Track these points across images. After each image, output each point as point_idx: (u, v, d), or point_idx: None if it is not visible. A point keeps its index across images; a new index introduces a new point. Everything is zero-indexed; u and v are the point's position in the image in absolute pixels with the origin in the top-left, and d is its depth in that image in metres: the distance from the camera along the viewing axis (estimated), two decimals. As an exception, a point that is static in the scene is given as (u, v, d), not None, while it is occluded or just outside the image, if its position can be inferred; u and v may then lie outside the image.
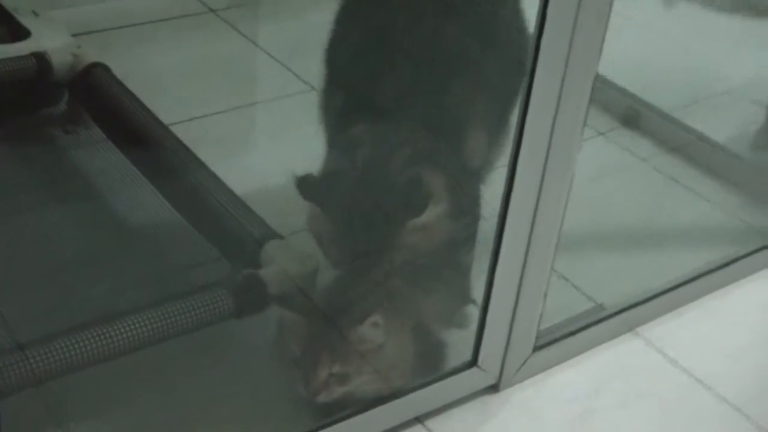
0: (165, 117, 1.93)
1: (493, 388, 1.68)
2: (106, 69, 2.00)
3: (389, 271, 1.54)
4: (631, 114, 2.41)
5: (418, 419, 1.60)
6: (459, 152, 1.65)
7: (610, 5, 1.42)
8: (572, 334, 1.75)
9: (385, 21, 1.67)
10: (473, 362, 1.63)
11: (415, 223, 1.53)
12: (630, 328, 1.84)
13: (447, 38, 1.64)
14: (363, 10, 1.72)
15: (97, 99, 1.97)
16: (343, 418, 1.51)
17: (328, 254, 1.57)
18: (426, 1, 1.68)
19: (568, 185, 1.55)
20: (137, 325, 1.45)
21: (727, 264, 1.98)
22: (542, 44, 1.39)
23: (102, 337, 1.42)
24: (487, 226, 1.63)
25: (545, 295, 1.64)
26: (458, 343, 1.66)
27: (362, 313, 1.48)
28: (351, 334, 1.48)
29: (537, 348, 1.70)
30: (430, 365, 1.62)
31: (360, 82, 1.66)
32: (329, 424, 1.50)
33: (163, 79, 2.27)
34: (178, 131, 1.90)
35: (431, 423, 1.60)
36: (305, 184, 1.54)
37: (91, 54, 2.01)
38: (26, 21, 2.02)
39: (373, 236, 1.53)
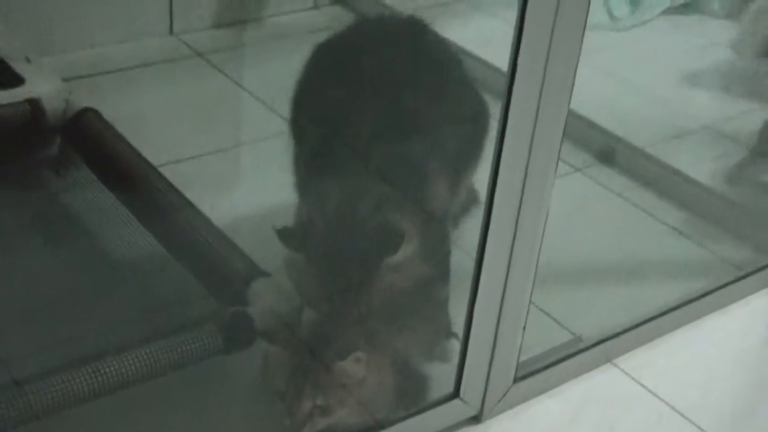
0: (153, 158, 1.97)
1: (475, 419, 1.72)
2: (96, 113, 2.04)
3: (368, 311, 1.59)
4: (607, 150, 2.47)
5: (402, 450, 1.65)
6: (422, 197, 1.72)
7: (580, 43, 1.49)
8: (551, 365, 1.80)
9: (346, 82, 1.77)
10: (455, 394, 1.68)
11: (390, 262, 1.59)
12: (607, 359, 1.89)
13: (404, 96, 1.74)
14: (325, 76, 1.81)
15: (88, 142, 2.02)
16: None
17: (309, 298, 1.63)
18: (384, 64, 1.77)
19: (543, 220, 1.61)
20: (128, 362, 1.50)
21: (701, 296, 2.04)
22: (515, 83, 1.45)
23: (94, 373, 1.47)
24: (466, 261, 1.68)
25: (524, 328, 1.69)
26: (440, 375, 1.71)
27: (344, 349, 1.53)
28: (334, 369, 1.53)
29: (517, 379, 1.74)
30: (411, 398, 1.66)
31: (325, 139, 1.75)
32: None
33: (152, 122, 2.31)
34: (167, 172, 1.94)
35: (414, 453, 1.65)
36: (286, 235, 1.60)
37: (82, 99, 2.06)
38: (19, 67, 2.06)
39: (351, 278, 1.59)
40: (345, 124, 1.73)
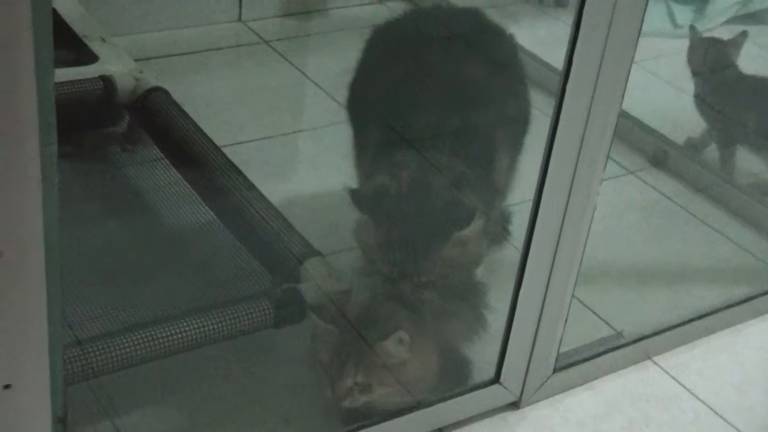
0: (218, 139, 2.04)
1: (514, 405, 1.77)
2: (165, 93, 2.12)
3: (428, 279, 1.65)
4: (660, 154, 2.50)
5: (441, 430, 1.70)
6: (488, 175, 1.79)
7: (635, 46, 1.53)
8: (591, 358, 1.85)
9: (408, 66, 1.83)
10: (496, 379, 1.74)
11: (459, 236, 1.66)
12: (647, 356, 1.93)
13: (469, 81, 1.81)
14: (388, 58, 1.88)
15: (155, 120, 2.10)
16: (368, 425, 1.62)
17: (373, 261, 1.69)
18: (443, 48, 1.84)
19: (590, 216, 1.65)
20: (182, 329, 1.57)
21: (744, 301, 2.07)
22: (569, 81, 1.50)
23: (153, 337, 1.55)
24: (512, 252, 1.74)
25: (566, 320, 1.74)
26: (482, 361, 1.76)
27: (388, 329, 1.59)
28: (377, 348, 1.59)
29: (557, 370, 1.79)
30: (452, 381, 1.72)
31: (394, 123, 1.82)
32: (357, 429, 1.61)
33: (217, 104, 2.39)
34: (230, 153, 2.01)
35: (453, 434, 1.71)
36: (358, 197, 1.68)
37: (152, 78, 2.15)
38: (94, 46, 2.15)
39: (417, 247, 1.66)
40: (411, 102, 1.80)
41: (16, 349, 1.06)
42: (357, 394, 1.58)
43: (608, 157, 1.62)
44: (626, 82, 1.56)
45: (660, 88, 2.80)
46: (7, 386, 1.07)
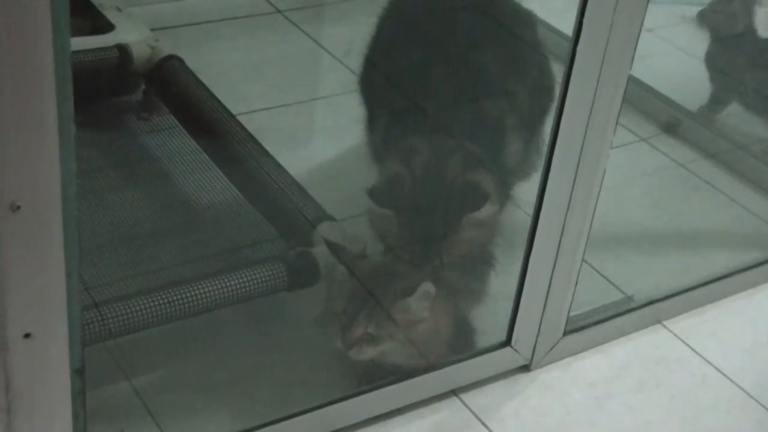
0: (232, 107, 2.06)
1: (525, 368, 1.80)
2: (180, 61, 2.14)
3: (447, 260, 1.68)
4: (673, 121, 2.51)
5: (454, 392, 1.73)
6: (500, 156, 1.80)
7: (645, 7, 1.54)
8: (601, 321, 1.87)
9: (422, 47, 1.85)
10: (507, 342, 1.76)
11: (472, 218, 1.69)
12: (657, 320, 1.95)
13: (483, 63, 1.83)
14: (401, 36, 1.90)
15: (170, 89, 2.12)
16: (384, 385, 1.65)
17: (392, 246, 1.72)
18: (459, 30, 1.85)
19: (599, 181, 1.67)
20: (200, 291, 1.60)
21: (755, 266, 2.09)
22: (579, 45, 1.51)
23: (168, 300, 1.57)
24: (522, 216, 1.76)
25: (576, 284, 1.76)
26: (493, 323, 1.79)
27: (413, 284, 1.60)
28: (399, 305, 1.60)
29: (567, 333, 1.82)
30: (460, 350, 1.74)
31: (406, 104, 1.84)
32: (370, 390, 1.64)
33: (232, 73, 2.41)
34: (244, 121, 2.03)
35: (465, 396, 1.73)
36: (377, 194, 1.70)
37: (167, 47, 2.16)
38: (110, 15, 2.17)
39: (435, 231, 1.69)
40: (421, 85, 1.81)
41: (36, 299, 1.10)
42: (366, 345, 1.59)
43: (618, 122, 1.63)
44: (635, 46, 1.57)
45: (673, 55, 2.80)
46: (27, 335, 1.10)
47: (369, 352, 1.61)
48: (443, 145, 1.77)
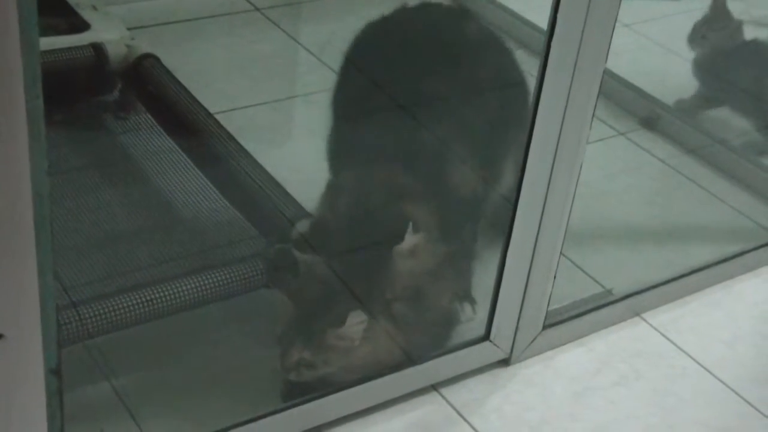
0: (210, 106, 2.05)
1: (504, 363, 1.80)
2: (156, 60, 2.14)
3: (393, 296, 1.65)
4: (652, 116, 2.52)
5: (434, 387, 1.73)
6: (445, 185, 1.80)
7: (619, 3, 1.54)
8: (580, 315, 1.88)
9: (372, 72, 1.86)
10: (486, 336, 1.76)
11: (399, 250, 1.65)
12: (636, 313, 1.96)
13: (429, 89, 1.82)
14: (359, 60, 1.91)
15: (147, 88, 2.11)
16: (363, 381, 1.64)
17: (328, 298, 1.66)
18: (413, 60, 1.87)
19: (576, 174, 1.67)
20: (179, 289, 1.60)
21: (733, 257, 2.09)
22: (553, 40, 1.51)
23: (147, 299, 1.57)
24: (500, 210, 1.76)
25: (555, 277, 1.76)
26: (471, 319, 1.79)
27: (342, 313, 1.57)
28: (329, 335, 1.58)
29: (546, 326, 1.82)
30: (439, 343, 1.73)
31: (351, 128, 1.84)
32: (350, 386, 1.63)
33: (210, 71, 2.41)
34: (222, 119, 2.03)
35: (445, 391, 1.73)
36: (299, 241, 1.69)
37: (144, 46, 2.16)
38: (86, 14, 2.16)
39: (369, 270, 1.66)
40: (368, 112, 1.81)
41: (8, 299, 1.09)
42: (303, 369, 1.59)
43: (597, 117, 1.63)
44: (611, 39, 1.57)
45: (651, 50, 2.81)
46: (0, 336, 1.09)
47: (308, 375, 1.59)
48: (373, 179, 1.75)
